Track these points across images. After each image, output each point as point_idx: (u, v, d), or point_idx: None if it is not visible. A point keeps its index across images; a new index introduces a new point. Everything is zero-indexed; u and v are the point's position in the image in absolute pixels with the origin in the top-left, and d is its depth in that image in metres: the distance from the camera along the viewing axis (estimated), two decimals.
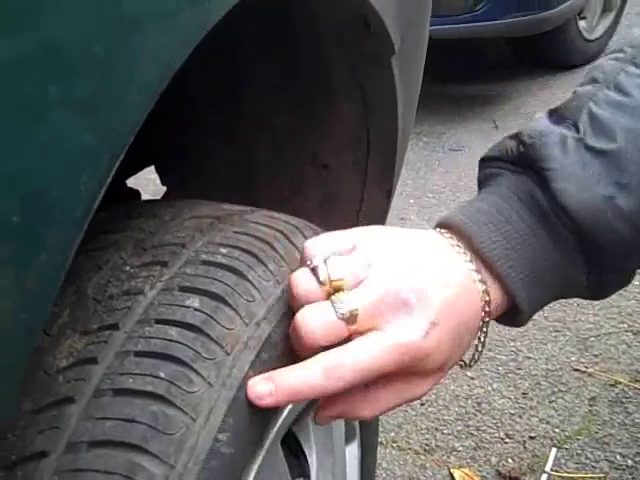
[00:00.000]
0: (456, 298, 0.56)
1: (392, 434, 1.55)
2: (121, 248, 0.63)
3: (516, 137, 0.62)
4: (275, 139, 1.08)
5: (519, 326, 0.64)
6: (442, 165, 2.87)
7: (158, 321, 0.55)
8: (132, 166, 1.08)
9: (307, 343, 0.55)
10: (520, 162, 0.61)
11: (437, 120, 3.23)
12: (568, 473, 1.43)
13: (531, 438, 1.53)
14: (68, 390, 0.51)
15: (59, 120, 0.39)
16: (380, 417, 1.60)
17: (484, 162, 0.65)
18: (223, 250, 0.62)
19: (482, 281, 0.58)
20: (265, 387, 0.54)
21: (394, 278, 0.55)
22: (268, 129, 1.04)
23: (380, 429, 1.55)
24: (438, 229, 0.61)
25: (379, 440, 1.53)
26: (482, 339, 0.61)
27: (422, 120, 3.02)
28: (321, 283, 0.55)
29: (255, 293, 0.59)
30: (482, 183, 0.65)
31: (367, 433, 0.94)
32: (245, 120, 1.03)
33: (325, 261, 0.56)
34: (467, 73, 3.73)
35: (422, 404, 1.63)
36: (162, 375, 0.51)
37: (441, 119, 3.24)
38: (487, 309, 0.58)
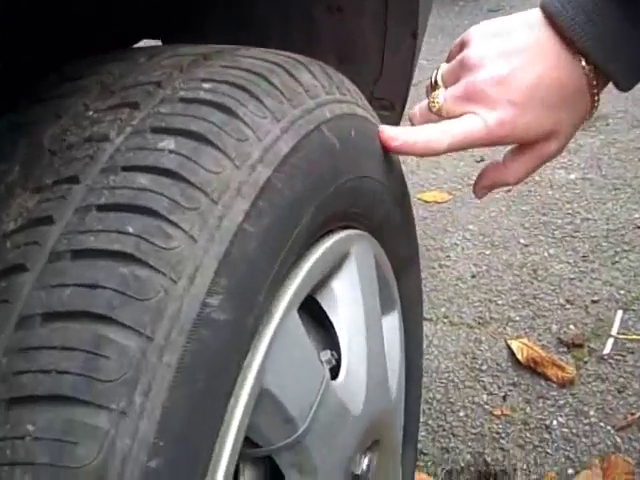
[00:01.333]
0: (544, 73, 0.60)
1: (442, 309, 1.45)
2: (85, 93, 0.52)
3: None
4: None
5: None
6: None
7: (125, 168, 0.44)
8: (132, 35, 0.96)
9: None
10: None
11: None
12: (637, 335, 1.33)
13: (594, 302, 1.42)
14: (18, 256, 0.42)
15: None
16: (428, 292, 1.51)
17: None
18: (206, 85, 0.51)
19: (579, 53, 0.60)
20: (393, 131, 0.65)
21: (479, 71, 0.62)
22: None
23: (429, 305, 1.47)
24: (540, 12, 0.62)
25: (429, 316, 1.44)
26: (596, 101, 0.64)
27: None
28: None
29: (248, 131, 0.49)
30: None
31: (408, 302, 0.84)
32: None
33: (438, 68, 0.67)
34: None
35: (473, 276, 1.53)
36: (130, 230, 0.41)
37: None
38: (593, 82, 0.61)
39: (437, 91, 0.65)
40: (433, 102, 0.65)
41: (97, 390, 0.37)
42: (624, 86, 0.62)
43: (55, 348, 0.38)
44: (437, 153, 0.64)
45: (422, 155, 0.66)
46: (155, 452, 0.38)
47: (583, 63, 0.60)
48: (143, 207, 0.42)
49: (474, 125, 0.62)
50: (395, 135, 0.65)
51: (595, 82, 0.61)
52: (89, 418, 0.37)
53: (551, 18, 0.60)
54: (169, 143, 0.46)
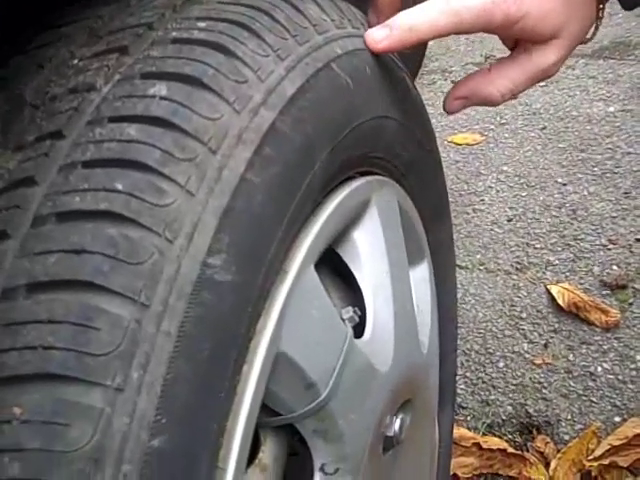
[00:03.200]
0: None
1: (478, 256, 1.40)
2: (71, 40, 0.47)
3: None
4: None
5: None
6: None
7: (113, 119, 0.40)
8: None
9: None
10: None
11: None
12: None
13: (638, 241, 1.35)
14: None
15: None
16: (462, 238, 1.46)
17: None
18: (201, 24, 0.46)
19: None
20: (381, 31, 0.55)
21: None
22: None
23: (464, 252, 1.41)
24: None
25: (463, 264, 1.39)
26: (600, 15, 0.59)
27: None
28: None
29: (248, 72, 0.44)
30: None
31: (439, 251, 0.79)
32: None
33: None
34: None
35: (509, 220, 1.47)
36: (119, 187, 0.38)
37: None
38: None
39: None
40: None
41: (88, 366, 0.34)
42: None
43: (41, 322, 0.34)
44: (431, 35, 0.55)
45: (417, 43, 0.55)
46: (158, 430, 0.35)
47: None
48: (132, 161, 0.38)
49: None
50: (379, 36, 0.55)
51: None
52: (81, 397, 0.33)
53: None
54: (160, 89, 0.41)
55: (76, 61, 0.45)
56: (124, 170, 0.38)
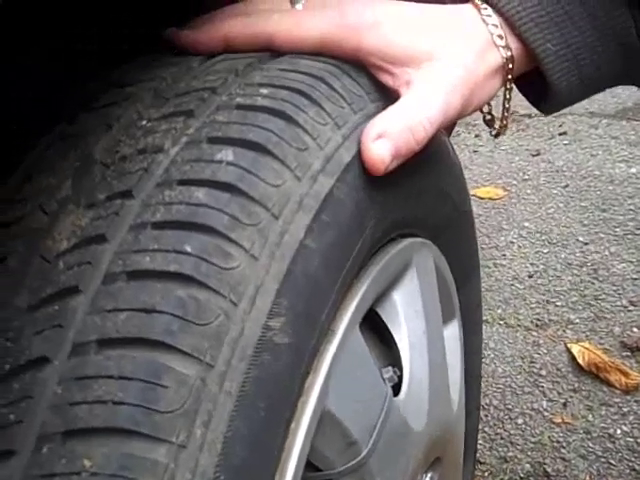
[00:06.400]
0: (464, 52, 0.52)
1: (499, 311, 1.41)
2: (137, 101, 0.50)
3: None
4: None
5: (558, 109, 0.57)
6: None
7: (182, 182, 0.42)
8: None
9: None
10: None
11: None
12: None
13: None
14: (71, 278, 0.40)
15: None
16: (484, 292, 1.47)
17: None
18: (264, 91, 0.48)
19: (501, 37, 0.52)
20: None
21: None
22: None
23: (485, 306, 1.42)
24: None
25: (484, 318, 1.40)
26: (507, 105, 0.58)
27: None
28: None
29: (308, 140, 0.46)
30: None
31: (468, 310, 0.81)
32: None
33: None
34: None
35: (530, 276, 1.48)
36: (189, 250, 0.39)
37: None
38: (509, 66, 0.53)
39: None
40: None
41: (156, 422, 0.35)
42: (558, 82, 0.53)
43: (112, 377, 0.36)
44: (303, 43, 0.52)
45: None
46: None
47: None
48: (201, 224, 0.40)
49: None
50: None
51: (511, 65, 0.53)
52: (148, 452, 0.35)
53: None
54: (227, 154, 0.43)
55: (144, 122, 0.47)
56: (193, 233, 0.40)
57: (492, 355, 1.32)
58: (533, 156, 1.94)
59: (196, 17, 0.56)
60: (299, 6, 0.56)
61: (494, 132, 0.61)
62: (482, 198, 1.79)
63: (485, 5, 0.53)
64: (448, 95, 0.51)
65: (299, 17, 0.53)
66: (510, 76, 0.54)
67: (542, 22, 0.52)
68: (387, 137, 0.48)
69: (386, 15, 0.52)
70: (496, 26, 0.52)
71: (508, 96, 0.56)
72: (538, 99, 0.58)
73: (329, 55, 0.54)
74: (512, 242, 1.61)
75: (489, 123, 0.60)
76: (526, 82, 0.56)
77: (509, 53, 0.52)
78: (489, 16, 0.52)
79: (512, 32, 0.52)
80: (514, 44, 0.53)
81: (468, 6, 0.54)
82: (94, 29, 0.61)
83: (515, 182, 1.86)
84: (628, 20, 0.52)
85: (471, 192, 1.83)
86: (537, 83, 0.55)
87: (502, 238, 1.63)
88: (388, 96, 0.56)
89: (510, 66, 0.53)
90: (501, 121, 0.60)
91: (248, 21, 0.53)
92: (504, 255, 1.57)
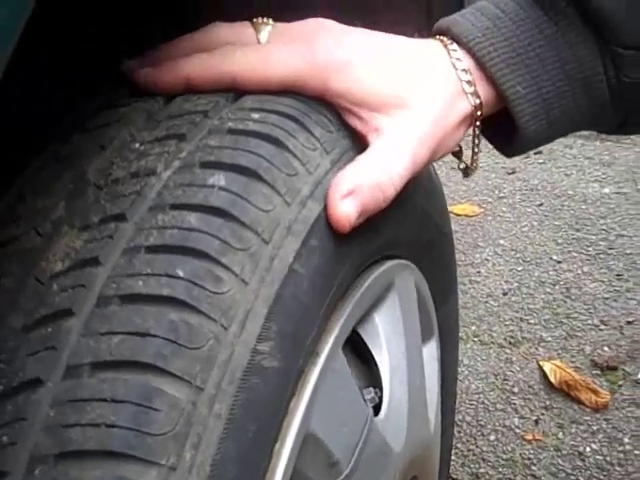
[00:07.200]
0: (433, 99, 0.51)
1: (473, 328, 1.43)
2: (130, 122, 0.50)
3: None
4: None
5: (523, 152, 0.57)
6: None
7: (174, 206, 0.43)
8: None
9: None
10: None
11: None
12: None
13: (629, 323, 1.39)
14: (65, 300, 0.40)
15: None
16: (459, 310, 1.49)
17: None
18: (255, 115, 0.49)
19: (470, 83, 0.52)
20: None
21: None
22: None
23: (459, 323, 1.44)
24: (438, 37, 0.54)
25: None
26: (476, 149, 0.57)
27: None
28: None
29: (298, 165, 0.47)
30: None
31: (446, 327, 0.82)
32: None
33: None
34: None
35: (504, 293, 1.50)
36: (181, 274, 0.40)
37: None
38: (477, 113, 0.52)
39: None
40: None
41: (148, 445, 0.36)
42: (526, 125, 0.52)
43: (105, 400, 0.36)
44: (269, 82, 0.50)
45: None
46: None
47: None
48: (193, 249, 0.41)
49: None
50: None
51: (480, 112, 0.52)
52: (139, 475, 0.35)
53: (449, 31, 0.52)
54: (219, 179, 0.44)
55: (137, 145, 0.48)
56: (185, 257, 0.41)
57: (466, 372, 1.34)
58: (509, 174, 1.97)
59: (154, 51, 0.53)
60: (264, 35, 0.53)
61: (463, 171, 0.60)
62: (458, 215, 1.81)
63: (454, 45, 0.52)
64: (417, 148, 0.50)
65: (264, 54, 0.50)
66: (478, 122, 0.53)
67: (513, 64, 0.51)
68: (356, 194, 0.47)
69: (357, 56, 0.50)
70: (465, 71, 0.51)
71: (477, 141, 0.55)
72: (502, 141, 0.57)
73: None
74: (487, 259, 1.63)
75: (459, 161, 0.59)
76: (491, 124, 0.55)
77: (478, 100, 0.52)
78: (458, 59, 0.52)
79: (482, 74, 0.52)
80: (483, 89, 0.52)
81: (437, 46, 0.53)
82: (94, 29, 0.61)
83: (491, 200, 1.88)
84: (598, 67, 0.52)
85: (448, 209, 1.85)
86: (503, 125, 0.54)
87: (477, 255, 1.65)
88: None
89: (479, 113, 0.52)
90: (471, 164, 0.59)
91: (211, 61, 0.50)
92: (479, 272, 1.59)
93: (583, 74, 0.52)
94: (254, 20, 0.53)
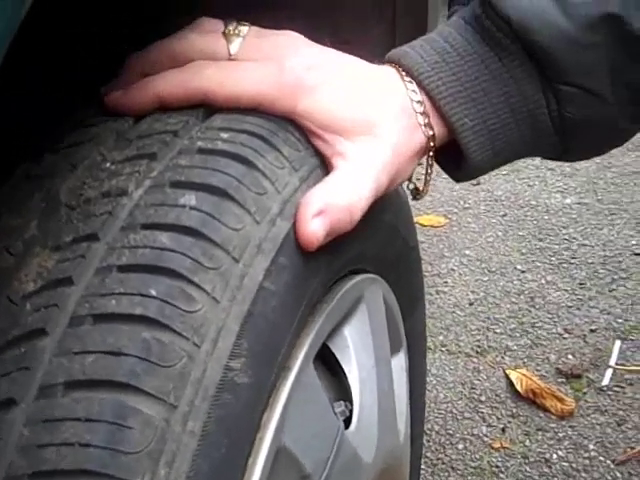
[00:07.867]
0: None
1: (440, 337, 1.45)
2: (100, 142, 0.51)
3: None
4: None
5: (470, 178, 0.60)
6: None
7: (146, 226, 0.44)
8: None
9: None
10: None
11: None
12: (636, 366, 1.33)
13: (592, 331, 1.42)
14: (38, 320, 0.41)
15: None
16: (427, 320, 1.51)
17: None
18: (224, 135, 0.50)
19: (423, 114, 0.53)
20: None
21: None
22: None
23: (427, 333, 1.46)
24: (394, 65, 0.55)
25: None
26: (428, 178, 0.59)
27: None
28: None
29: (267, 184, 0.48)
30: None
31: (414, 338, 0.83)
32: None
33: None
34: None
35: (471, 303, 1.52)
36: (153, 293, 0.40)
37: None
38: (431, 144, 0.54)
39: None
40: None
41: (122, 463, 0.36)
42: (473, 155, 0.55)
43: (79, 419, 0.37)
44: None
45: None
46: None
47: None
48: (165, 268, 0.41)
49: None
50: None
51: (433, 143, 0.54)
52: None
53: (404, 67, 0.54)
54: (190, 199, 0.45)
55: (108, 164, 0.48)
56: (157, 276, 0.41)
57: (434, 381, 1.36)
58: (473, 185, 2.00)
59: (124, 69, 0.54)
60: (234, 46, 0.53)
61: (412, 192, 0.62)
62: (424, 225, 1.84)
63: (409, 77, 0.54)
64: (379, 174, 0.51)
65: (234, 72, 0.51)
66: (431, 153, 0.55)
67: (460, 97, 0.53)
68: (326, 214, 0.48)
69: (324, 81, 0.51)
70: (420, 103, 0.53)
71: (430, 170, 0.57)
72: (452, 168, 0.59)
73: None
74: (453, 270, 1.66)
75: (409, 182, 0.61)
76: (442, 152, 0.56)
77: (431, 132, 0.53)
78: (414, 92, 0.53)
79: (433, 106, 0.53)
80: (435, 120, 0.54)
81: (396, 76, 0.54)
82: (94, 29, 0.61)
83: (456, 210, 1.91)
84: (541, 101, 0.54)
85: (414, 219, 1.87)
86: (452, 153, 0.56)
87: (444, 265, 1.67)
88: None
89: (431, 144, 0.54)
90: (422, 190, 0.61)
91: (181, 78, 0.51)
92: (446, 282, 1.61)
93: (527, 107, 0.54)
94: (226, 30, 0.53)
